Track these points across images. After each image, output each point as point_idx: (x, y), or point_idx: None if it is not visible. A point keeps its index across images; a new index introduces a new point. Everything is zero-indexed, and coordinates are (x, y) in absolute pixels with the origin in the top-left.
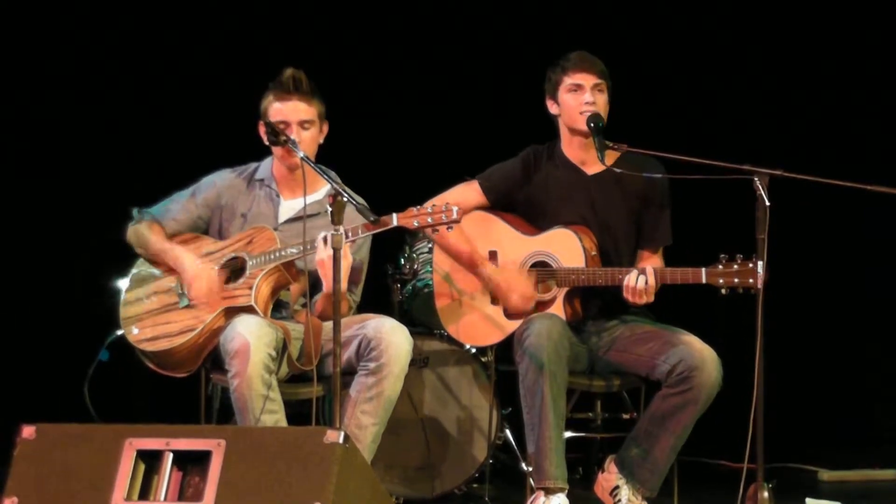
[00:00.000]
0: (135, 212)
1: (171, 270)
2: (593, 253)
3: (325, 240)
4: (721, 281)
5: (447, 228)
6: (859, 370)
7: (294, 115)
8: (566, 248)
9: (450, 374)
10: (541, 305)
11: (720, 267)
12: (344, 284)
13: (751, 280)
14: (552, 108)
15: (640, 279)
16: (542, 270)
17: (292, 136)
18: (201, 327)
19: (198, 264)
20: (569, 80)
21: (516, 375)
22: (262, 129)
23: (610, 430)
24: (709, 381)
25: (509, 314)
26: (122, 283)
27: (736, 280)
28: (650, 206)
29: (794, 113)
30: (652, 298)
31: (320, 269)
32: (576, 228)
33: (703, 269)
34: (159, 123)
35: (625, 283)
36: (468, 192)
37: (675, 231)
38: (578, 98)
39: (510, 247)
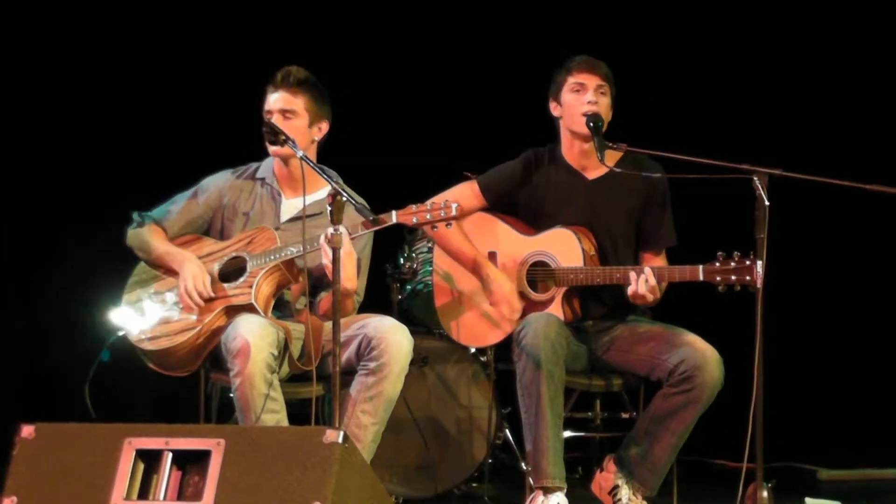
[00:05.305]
0: (135, 215)
1: (172, 272)
2: (592, 253)
3: (326, 239)
4: (718, 278)
5: (446, 225)
6: (859, 369)
7: (276, 104)
8: (565, 247)
9: (449, 374)
10: (539, 305)
11: (717, 264)
12: (353, 282)
13: (748, 277)
14: (554, 111)
15: (641, 280)
16: (540, 270)
17: (273, 122)
18: (200, 326)
19: (194, 269)
20: (572, 79)
21: (515, 374)
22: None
23: (609, 430)
24: (711, 381)
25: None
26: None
27: (733, 278)
28: (651, 208)
29: (794, 113)
30: (659, 295)
31: (328, 269)
32: (575, 229)
33: (701, 267)
34: (159, 125)
35: (628, 290)
36: (467, 193)
37: (674, 231)
38: (580, 98)
39: (509, 247)
